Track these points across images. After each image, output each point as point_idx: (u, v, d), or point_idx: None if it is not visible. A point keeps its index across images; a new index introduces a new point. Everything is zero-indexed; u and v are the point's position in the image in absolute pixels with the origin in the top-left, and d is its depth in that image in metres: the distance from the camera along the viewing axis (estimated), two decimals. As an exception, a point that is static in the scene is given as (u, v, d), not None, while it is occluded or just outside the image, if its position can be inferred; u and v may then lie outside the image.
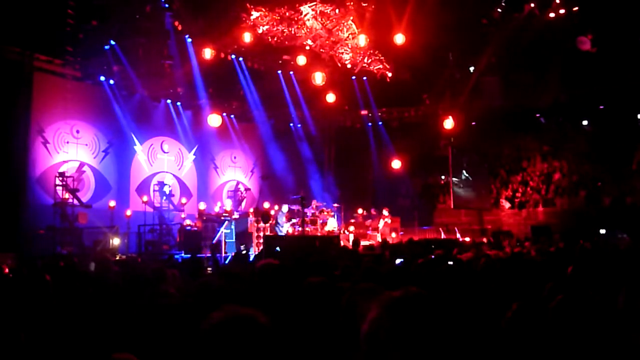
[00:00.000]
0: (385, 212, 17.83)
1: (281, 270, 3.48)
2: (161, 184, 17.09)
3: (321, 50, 16.55)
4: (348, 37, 16.19)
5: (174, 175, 18.56)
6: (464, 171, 19.83)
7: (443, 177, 21.53)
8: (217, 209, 16.58)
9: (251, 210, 16.61)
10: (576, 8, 15.70)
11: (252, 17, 15.08)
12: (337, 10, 15.61)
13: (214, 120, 16.83)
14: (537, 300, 2.71)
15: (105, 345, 2.50)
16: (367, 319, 1.56)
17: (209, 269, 8.92)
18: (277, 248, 10.92)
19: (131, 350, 2.71)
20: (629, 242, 12.78)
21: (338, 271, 5.29)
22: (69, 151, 15.74)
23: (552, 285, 3.40)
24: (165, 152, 18.50)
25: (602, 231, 15.31)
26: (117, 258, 11.68)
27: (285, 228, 15.86)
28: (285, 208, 16.15)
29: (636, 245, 10.80)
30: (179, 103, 18.42)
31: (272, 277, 3.40)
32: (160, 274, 4.67)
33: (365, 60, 17.32)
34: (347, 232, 16.92)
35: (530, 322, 2.38)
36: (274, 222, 15.96)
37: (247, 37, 15.33)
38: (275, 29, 15.47)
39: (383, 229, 17.44)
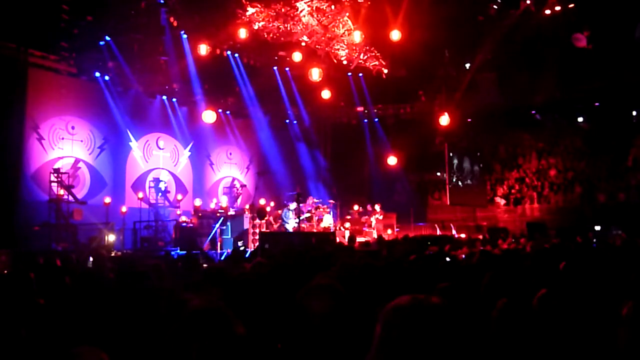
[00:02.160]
0: (377, 208, 17.84)
1: (273, 269, 3.48)
2: (157, 181, 17.03)
3: (317, 46, 16.53)
4: (344, 33, 16.18)
5: (169, 171, 18.52)
6: (459, 167, 19.86)
7: (439, 173, 21.57)
8: (212, 206, 16.56)
9: (247, 206, 16.60)
10: (572, 5, 15.72)
11: (247, 14, 15.03)
12: (332, 7, 15.59)
13: (209, 116, 16.76)
14: (525, 296, 2.71)
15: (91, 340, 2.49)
16: (379, 320, 1.56)
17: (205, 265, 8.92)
18: (266, 245, 10.84)
19: (126, 346, 2.71)
20: (625, 238, 12.82)
21: (335, 267, 5.29)
22: (64, 147, 15.67)
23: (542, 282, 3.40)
24: (160, 149, 18.45)
25: (597, 227, 15.37)
26: (113, 254, 11.65)
27: (292, 224, 15.76)
28: (293, 205, 16.09)
29: (631, 242, 10.83)
30: (174, 99, 18.37)
31: (264, 276, 3.39)
32: (158, 270, 4.66)
33: (361, 57, 17.31)
34: (342, 229, 16.93)
35: (518, 318, 2.38)
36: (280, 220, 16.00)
37: (242, 33, 15.28)
38: (271, 25, 15.43)
39: (376, 225, 17.44)
